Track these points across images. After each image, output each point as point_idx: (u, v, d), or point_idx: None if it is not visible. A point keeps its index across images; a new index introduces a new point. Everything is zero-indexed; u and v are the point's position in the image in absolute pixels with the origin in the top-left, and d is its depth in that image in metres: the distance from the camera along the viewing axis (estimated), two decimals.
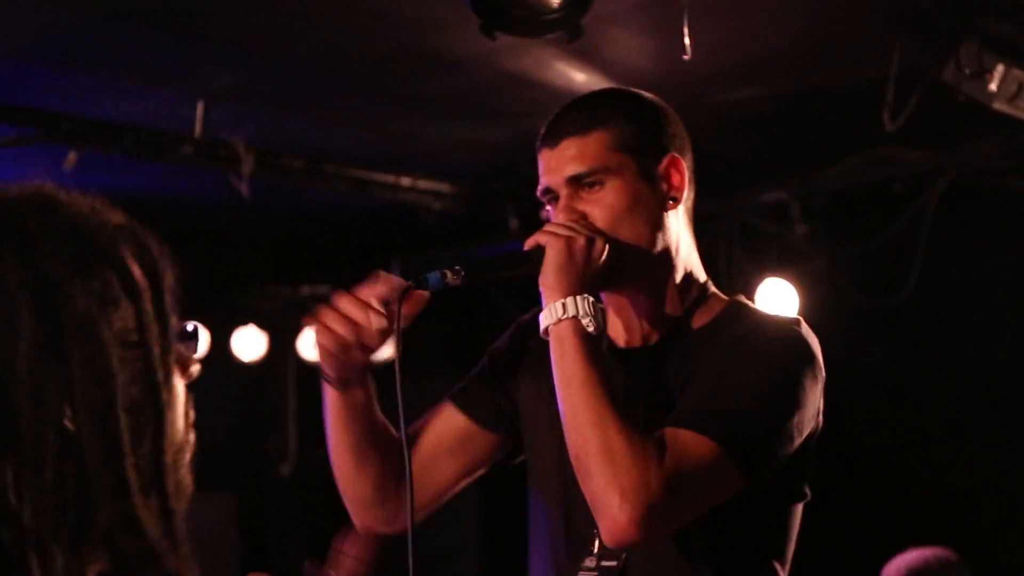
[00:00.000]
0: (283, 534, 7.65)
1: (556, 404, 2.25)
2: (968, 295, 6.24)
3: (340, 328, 2.29)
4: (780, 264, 5.99)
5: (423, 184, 5.96)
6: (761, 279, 5.93)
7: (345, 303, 2.29)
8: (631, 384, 2.33)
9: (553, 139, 2.34)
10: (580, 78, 5.19)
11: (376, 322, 2.28)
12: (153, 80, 5.02)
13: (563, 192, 2.32)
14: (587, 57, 5.01)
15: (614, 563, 2.27)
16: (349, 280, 7.53)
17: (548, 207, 2.40)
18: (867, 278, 6.10)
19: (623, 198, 2.29)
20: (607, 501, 2.11)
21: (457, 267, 2.26)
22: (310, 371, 7.32)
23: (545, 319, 2.25)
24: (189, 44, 4.76)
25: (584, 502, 2.21)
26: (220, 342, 7.12)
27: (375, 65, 5.04)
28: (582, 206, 2.30)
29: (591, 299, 2.24)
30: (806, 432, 2.27)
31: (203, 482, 5.02)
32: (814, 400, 2.27)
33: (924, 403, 6.28)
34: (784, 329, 2.29)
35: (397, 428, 2.33)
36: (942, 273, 6.05)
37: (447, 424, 2.48)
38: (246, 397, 7.48)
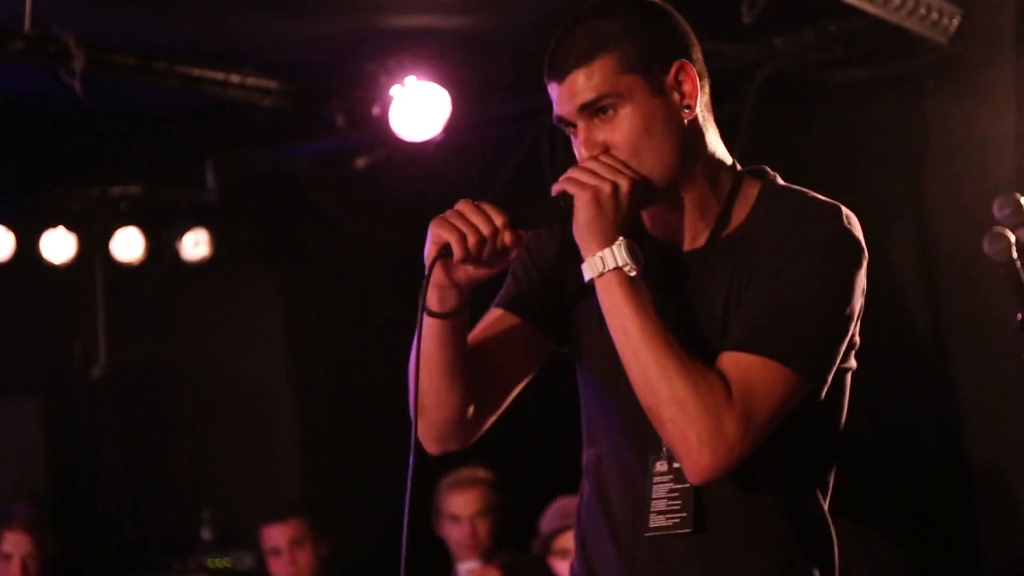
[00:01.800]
0: (93, 437, 7.52)
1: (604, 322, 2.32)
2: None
3: (471, 234, 2.27)
4: None
5: (251, 81, 5.89)
6: None
7: (472, 211, 2.29)
8: (685, 290, 2.38)
9: (559, 72, 2.35)
10: None
11: (507, 236, 2.29)
12: None
13: (580, 124, 2.35)
14: None
15: None
16: (163, 180, 7.40)
17: (569, 134, 2.40)
18: None
19: (639, 121, 2.31)
20: (686, 448, 2.22)
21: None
22: (120, 273, 7.21)
23: (587, 271, 2.30)
24: None
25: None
26: (27, 245, 6.92)
27: None
28: (601, 135, 2.34)
29: (626, 242, 2.28)
30: (857, 319, 2.37)
31: (6, 386, 4.94)
32: (862, 288, 2.36)
33: None
34: (830, 222, 2.34)
35: None
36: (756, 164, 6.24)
37: (507, 332, 2.48)
38: (55, 301, 7.30)
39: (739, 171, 2.45)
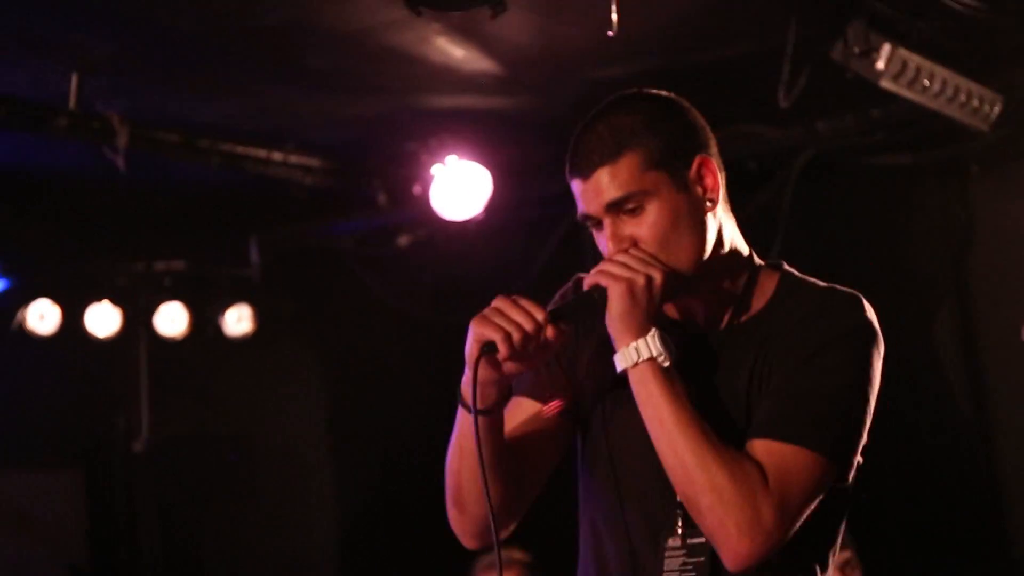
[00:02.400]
0: (133, 511, 7.54)
1: (617, 386, 2.36)
2: (823, 270, 6.42)
3: (515, 332, 2.27)
4: None
5: (294, 159, 5.94)
6: None
7: (512, 308, 2.29)
8: (706, 373, 2.38)
9: (584, 170, 2.35)
10: (459, 54, 5.23)
11: (549, 331, 2.29)
12: (27, 50, 4.92)
13: (606, 220, 2.35)
14: (467, 33, 5.04)
15: (702, 539, 2.33)
16: (207, 256, 7.45)
17: (593, 231, 2.41)
18: None
19: (666, 216, 2.33)
20: (725, 536, 2.23)
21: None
22: (164, 347, 7.25)
23: (621, 362, 2.31)
24: (64, 13, 4.67)
25: (656, 481, 2.33)
26: (73, 318, 6.98)
27: (256, 40, 5.01)
28: (628, 230, 2.34)
29: (659, 332, 2.30)
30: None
31: (52, 458, 4.94)
32: (879, 378, 2.37)
33: None
34: (850, 311, 2.37)
35: None
36: (799, 248, 6.23)
37: (533, 423, 2.49)
38: (98, 374, 7.35)
39: (757, 262, 2.47)
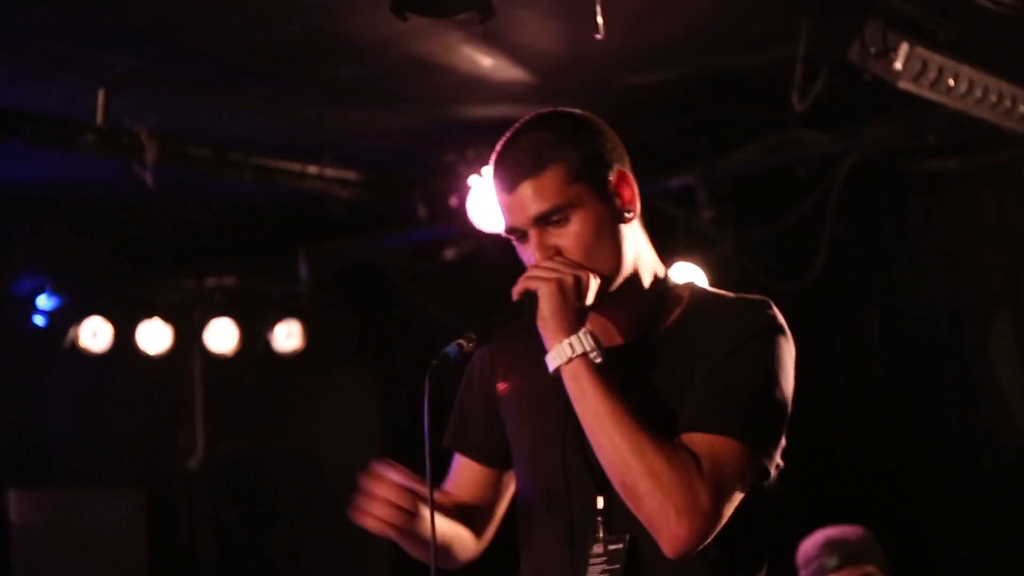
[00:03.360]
0: (192, 528, 7.56)
1: (537, 402, 2.51)
2: (873, 277, 6.31)
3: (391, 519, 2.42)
4: (687, 249, 6.02)
5: (330, 172, 5.91)
6: (669, 264, 5.93)
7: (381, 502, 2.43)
8: (627, 381, 2.42)
9: (508, 184, 2.44)
10: (487, 63, 5.18)
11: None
12: (53, 67, 4.94)
13: (532, 232, 2.43)
14: (495, 41, 4.99)
15: (620, 545, 2.41)
16: (255, 271, 7.46)
17: (516, 243, 2.49)
18: (774, 261, 6.15)
19: (589, 226, 2.42)
20: (664, 520, 2.29)
21: (468, 334, 2.38)
22: (216, 364, 7.26)
23: (553, 360, 2.38)
24: (89, 29, 4.69)
25: (579, 490, 2.45)
26: (125, 336, 7.02)
27: (281, 51, 5.00)
28: (552, 240, 2.42)
29: (589, 331, 2.38)
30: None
31: (110, 477, 4.94)
32: (792, 377, 2.47)
33: (831, 386, 6.34)
34: (766, 313, 2.46)
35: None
36: (847, 255, 6.12)
37: (473, 478, 2.68)
38: (152, 391, 7.38)
39: (668, 280, 2.56)
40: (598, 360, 2.36)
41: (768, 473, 2.41)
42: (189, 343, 7.21)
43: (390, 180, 6.16)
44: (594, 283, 2.41)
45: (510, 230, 2.47)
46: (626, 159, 2.50)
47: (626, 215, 2.46)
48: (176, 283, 7.13)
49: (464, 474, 2.69)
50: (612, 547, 2.41)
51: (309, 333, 7.20)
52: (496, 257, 6.50)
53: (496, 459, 2.66)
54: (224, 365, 7.25)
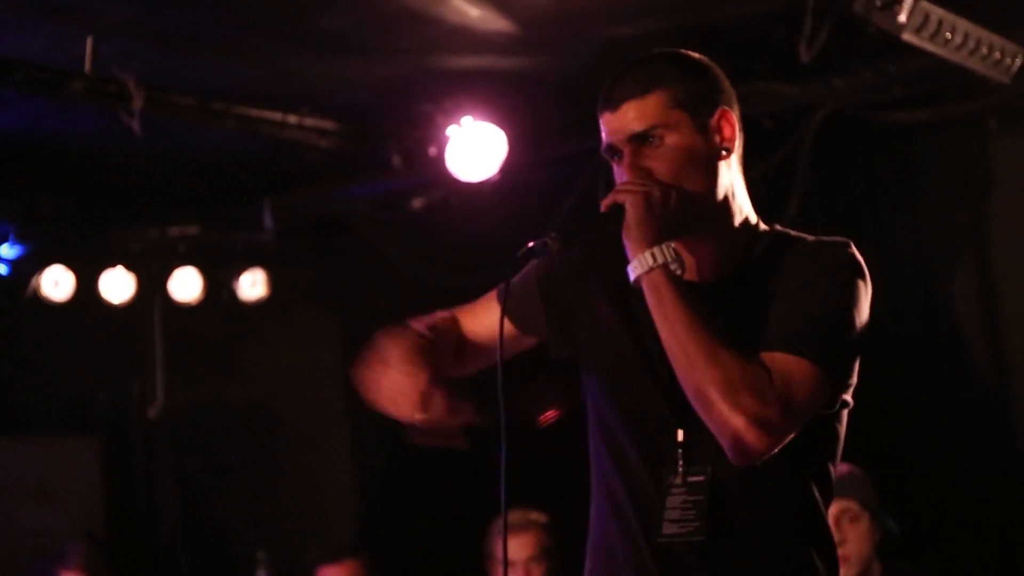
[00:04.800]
0: (150, 477, 7.54)
1: (622, 336, 2.55)
2: (839, 230, 6.38)
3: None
4: None
5: (309, 122, 5.91)
6: None
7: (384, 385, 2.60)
8: (710, 314, 2.47)
9: (614, 103, 2.52)
10: (474, 13, 5.19)
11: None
12: (41, 14, 4.89)
13: (626, 150, 2.51)
14: None
15: (701, 477, 2.47)
16: (220, 221, 7.42)
17: (613, 164, 2.56)
18: None
19: (682, 151, 2.49)
20: (734, 427, 2.33)
21: (553, 234, 2.47)
22: (180, 313, 7.23)
23: (635, 270, 2.44)
24: None
25: (659, 422, 2.50)
26: (87, 285, 6.97)
27: (268, 1, 4.99)
28: (645, 162, 2.49)
29: (672, 245, 2.44)
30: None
31: (71, 426, 4.94)
32: (867, 313, 2.53)
33: None
34: (841, 250, 2.53)
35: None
36: (819, 207, 6.19)
37: (492, 326, 2.63)
38: (114, 341, 7.33)
39: (760, 225, 2.62)
40: (678, 272, 2.43)
41: (835, 403, 2.49)
42: (152, 292, 7.18)
43: (368, 130, 6.16)
44: (682, 200, 2.45)
45: (607, 148, 2.54)
46: (734, 104, 2.57)
47: (723, 152, 2.52)
48: (139, 232, 7.09)
49: (489, 315, 2.68)
50: (692, 479, 2.47)
51: (273, 282, 7.21)
52: (462, 207, 6.54)
53: (528, 326, 2.68)
54: (188, 314, 7.23)
